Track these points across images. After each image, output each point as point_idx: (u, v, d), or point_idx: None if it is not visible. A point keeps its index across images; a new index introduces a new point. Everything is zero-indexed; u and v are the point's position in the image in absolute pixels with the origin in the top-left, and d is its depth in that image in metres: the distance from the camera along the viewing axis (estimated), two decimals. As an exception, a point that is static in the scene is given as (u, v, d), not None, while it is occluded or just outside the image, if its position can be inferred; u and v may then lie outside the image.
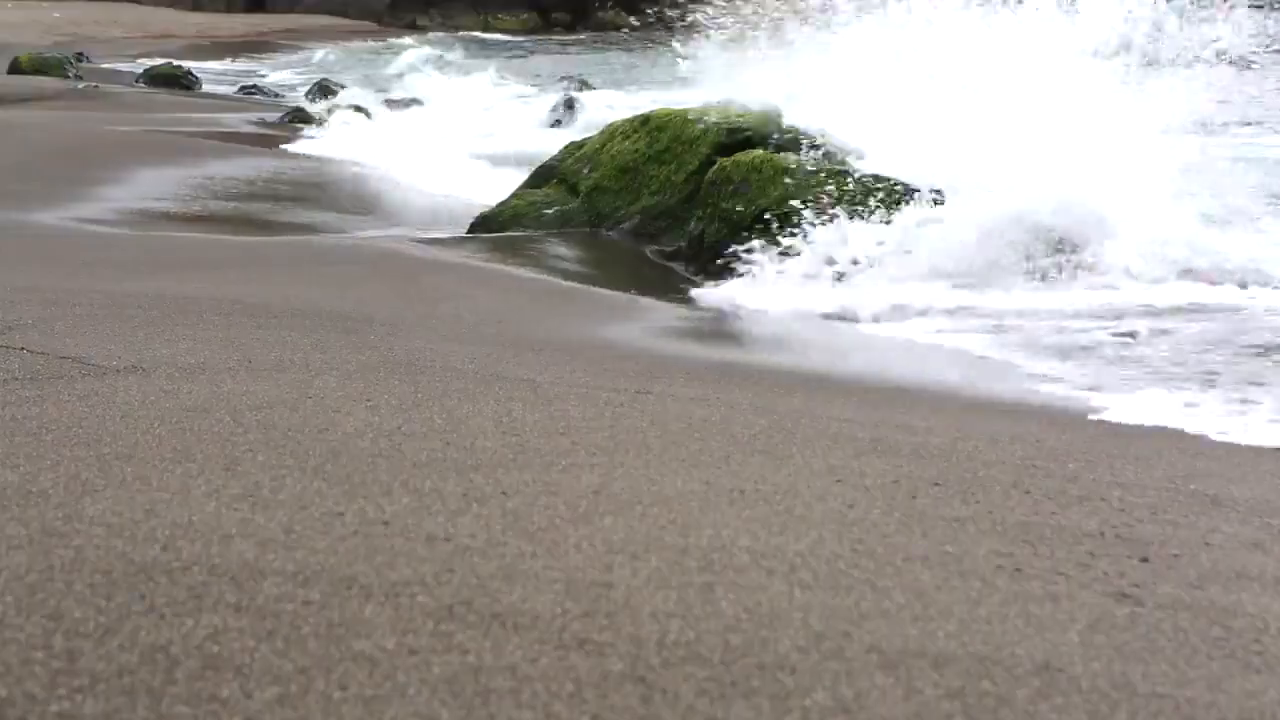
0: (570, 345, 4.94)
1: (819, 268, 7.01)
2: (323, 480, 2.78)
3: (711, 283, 6.99)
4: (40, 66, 21.82)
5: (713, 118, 8.20)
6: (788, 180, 7.50)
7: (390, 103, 17.75)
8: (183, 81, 22.67)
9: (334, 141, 13.56)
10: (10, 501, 2.55)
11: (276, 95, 21.45)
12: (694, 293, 6.82)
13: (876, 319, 6.26)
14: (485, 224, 8.63)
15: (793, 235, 7.12)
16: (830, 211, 7.20)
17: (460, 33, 46.00)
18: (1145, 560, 2.63)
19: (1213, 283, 6.66)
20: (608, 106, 15.57)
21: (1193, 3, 8.36)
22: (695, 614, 2.19)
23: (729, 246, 7.32)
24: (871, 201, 7.27)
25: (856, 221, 7.15)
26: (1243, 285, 6.64)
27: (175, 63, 24.85)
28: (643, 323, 5.76)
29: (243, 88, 23.08)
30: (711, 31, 9.54)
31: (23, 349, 3.95)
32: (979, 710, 1.94)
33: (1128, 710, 1.98)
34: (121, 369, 3.77)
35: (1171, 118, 7.72)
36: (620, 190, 8.35)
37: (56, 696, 1.82)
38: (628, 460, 3.08)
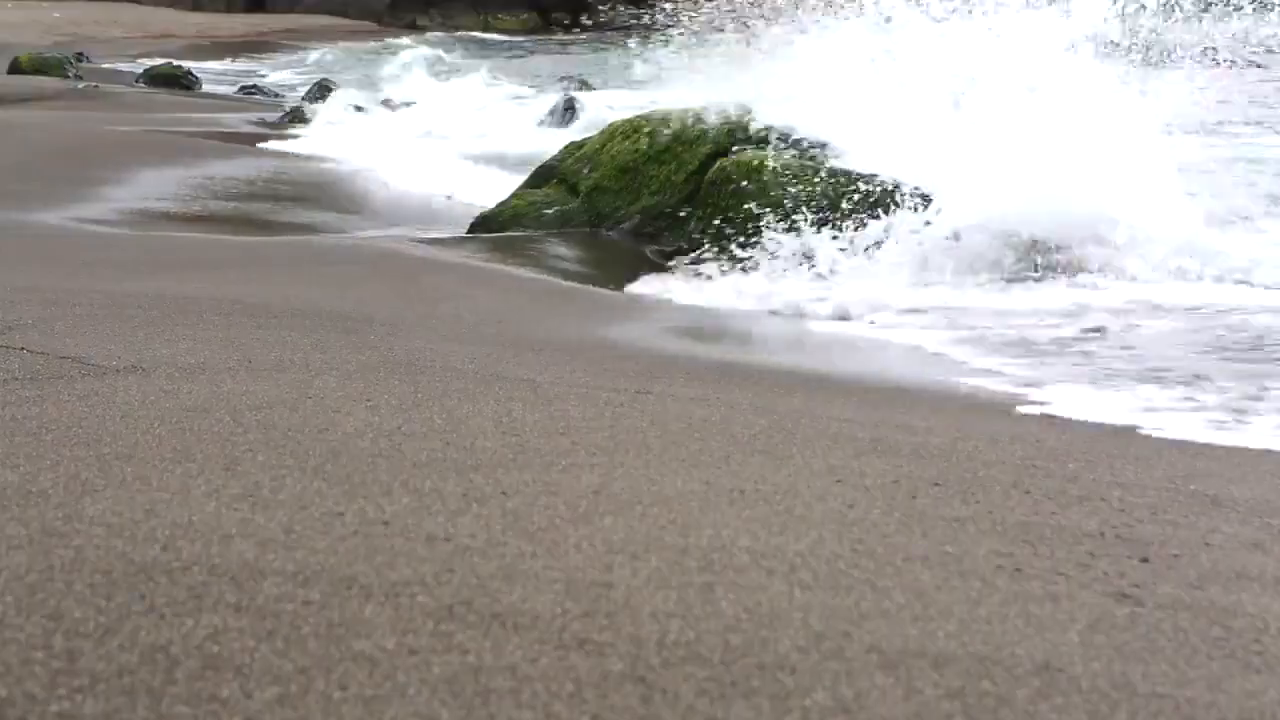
0: (570, 345, 4.94)
1: (788, 266, 7.10)
2: (323, 480, 2.78)
3: (652, 277, 7.02)
4: (40, 66, 21.82)
5: (713, 119, 8.23)
6: (778, 180, 7.54)
7: (382, 103, 17.74)
8: (183, 81, 22.67)
9: (320, 142, 13.55)
10: (10, 501, 2.55)
11: (276, 95, 21.44)
12: (628, 287, 6.82)
13: (828, 316, 6.28)
14: (485, 224, 8.63)
15: (762, 236, 7.19)
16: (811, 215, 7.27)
17: (460, 33, 46.01)
18: (1145, 560, 2.63)
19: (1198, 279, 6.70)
20: (608, 106, 15.57)
21: (1192, 2, 8.38)
22: (695, 614, 2.19)
23: (719, 243, 7.38)
24: (845, 204, 7.32)
25: (827, 228, 7.22)
26: (1221, 281, 6.67)
27: (175, 63, 24.85)
28: (643, 323, 5.76)
29: (243, 88, 23.07)
30: (673, 33, 9.61)
31: (23, 349, 3.95)
32: (979, 710, 1.94)
33: (1128, 710, 1.98)
34: (121, 369, 3.77)
35: (1172, 117, 7.73)
36: (620, 190, 8.36)
37: (56, 696, 1.82)
38: (628, 460, 3.08)
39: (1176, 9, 8.37)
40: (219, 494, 2.66)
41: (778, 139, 7.92)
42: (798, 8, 8.94)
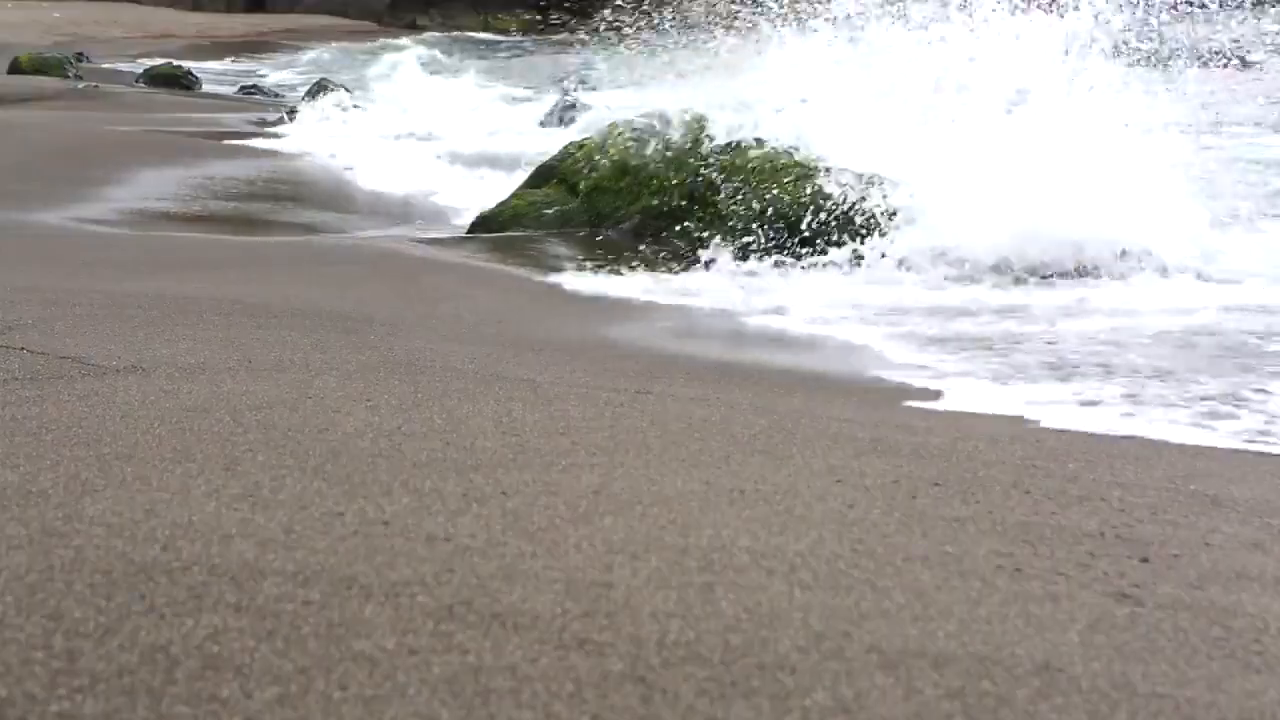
0: (570, 345, 4.94)
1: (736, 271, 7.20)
2: (323, 480, 2.78)
3: (589, 273, 7.04)
4: (40, 66, 21.81)
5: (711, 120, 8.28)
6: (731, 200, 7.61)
7: (354, 106, 17.72)
8: (183, 81, 22.66)
9: (304, 141, 13.54)
10: (10, 501, 2.55)
11: (276, 95, 21.43)
12: (563, 278, 6.82)
13: (763, 311, 6.31)
14: (485, 224, 8.63)
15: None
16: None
17: (460, 33, 46.00)
18: (1145, 560, 2.63)
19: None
20: (606, 107, 15.58)
21: (1191, 2, 8.38)
22: (695, 614, 2.19)
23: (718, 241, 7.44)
24: (805, 227, 7.36)
25: (780, 255, 7.30)
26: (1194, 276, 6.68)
27: (175, 63, 24.83)
28: (643, 323, 5.76)
29: (243, 88, 23.07)
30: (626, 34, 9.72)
31: (23, 349, 3.95)
32: (979, 710, 1.94)
33: (1128, 710, 1.98)
34: (121, 369, 3.77)
35: (1171, 117, 7.74)
36: (620, 190, 8.36)
37: (56, 696, 1.82)
38: (628, 460, 3.08)
39: (1176, 9, 8.38)
40: (219, 494, 2.66)
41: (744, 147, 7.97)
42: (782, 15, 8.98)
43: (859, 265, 7.13)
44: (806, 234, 7.36)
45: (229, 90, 22.94)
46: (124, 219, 8.44)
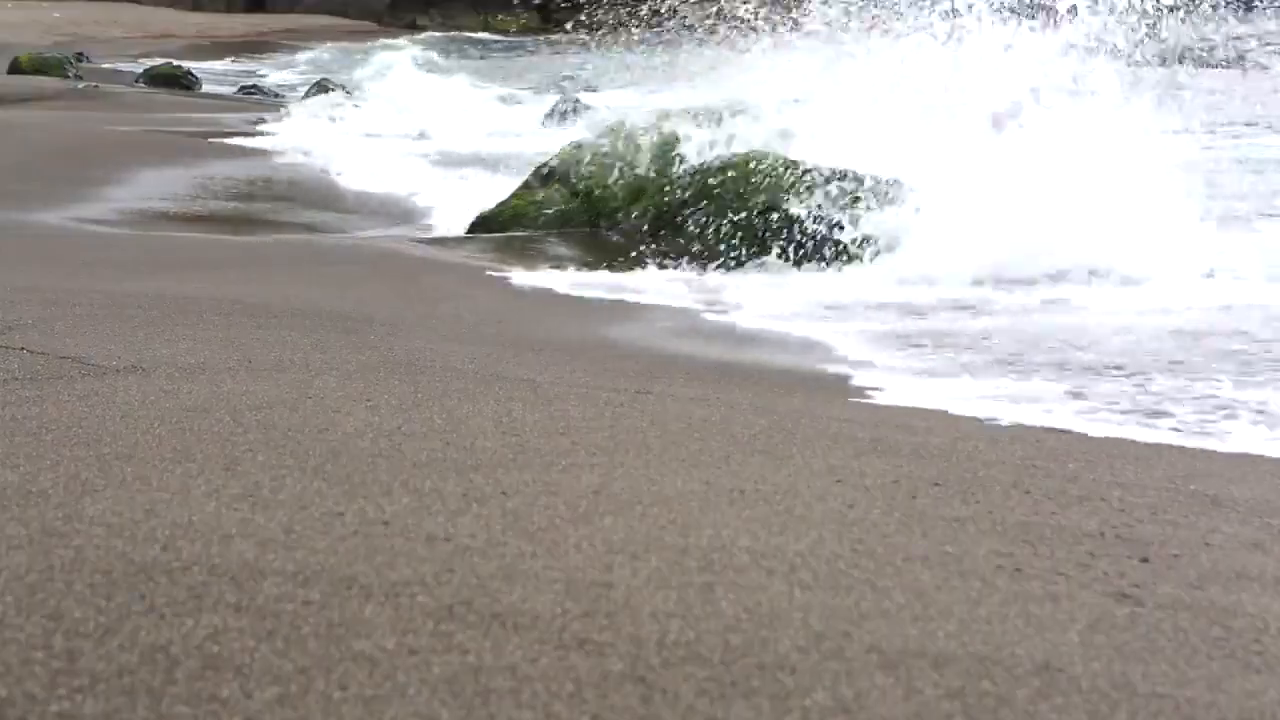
0: (570, 345, 4.94)
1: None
2: (323, 480, 2.78)
3: (588, 272, 7.09)
4: (40, 66, 21.80)
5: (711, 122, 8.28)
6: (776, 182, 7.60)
7: (333, 109, 17.74)
8: (183, 81, 22.66)
9: (292, 143, 13.53)
10: (10, 501, 2.55)
11: (276, 95, 21.43)
12: (510, 274, 6.83)
13: (724, 307, 6.34)
14: (485, 224, 8.63)
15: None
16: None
17: (460, 32, 45.99)
18: (1145, 560, 2.63)
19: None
20: (607, 107, 15.58)
21: (1190, 2, 8.38)
22: (695, 614, 2.19)
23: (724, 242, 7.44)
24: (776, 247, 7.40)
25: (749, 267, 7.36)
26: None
27: (175, 63, 24.83)
28: (643, 323, 5.76)
29: (243, 88, 23.07)
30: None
31: (23, 349, 3.95)
32: (979, 710, 1.94)
33: (1128, 710, 1.98)
34: (121, 369, 3.77)
35: (1172, 119, 7.74)
36: (620, 190, 8.37)
37: (56, 696, 1.82)
38: (628, 460, 3.08)
39: (1177, 10, 8.38)
40: (219, 494, 2.66)
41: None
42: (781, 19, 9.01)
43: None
44: (775, 255, 7.39)
45: (229, 90, 22.94)
46: (124, 219, 8.44)
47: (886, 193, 7.42)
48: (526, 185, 8.93)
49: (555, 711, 1.86)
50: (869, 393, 4.56)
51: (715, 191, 7.75)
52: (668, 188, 8.04)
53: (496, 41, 42.66)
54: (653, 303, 6.33)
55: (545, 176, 8.87)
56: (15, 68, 21.65)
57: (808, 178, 7.55)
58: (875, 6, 8.75)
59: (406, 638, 2.04)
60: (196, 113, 16.38)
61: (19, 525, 2.42)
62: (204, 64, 28.26)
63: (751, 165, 7.76)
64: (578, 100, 17.13)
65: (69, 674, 1.88)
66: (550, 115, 16.50)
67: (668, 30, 10.96)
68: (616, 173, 8.36)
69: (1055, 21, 8.02)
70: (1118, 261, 6.83)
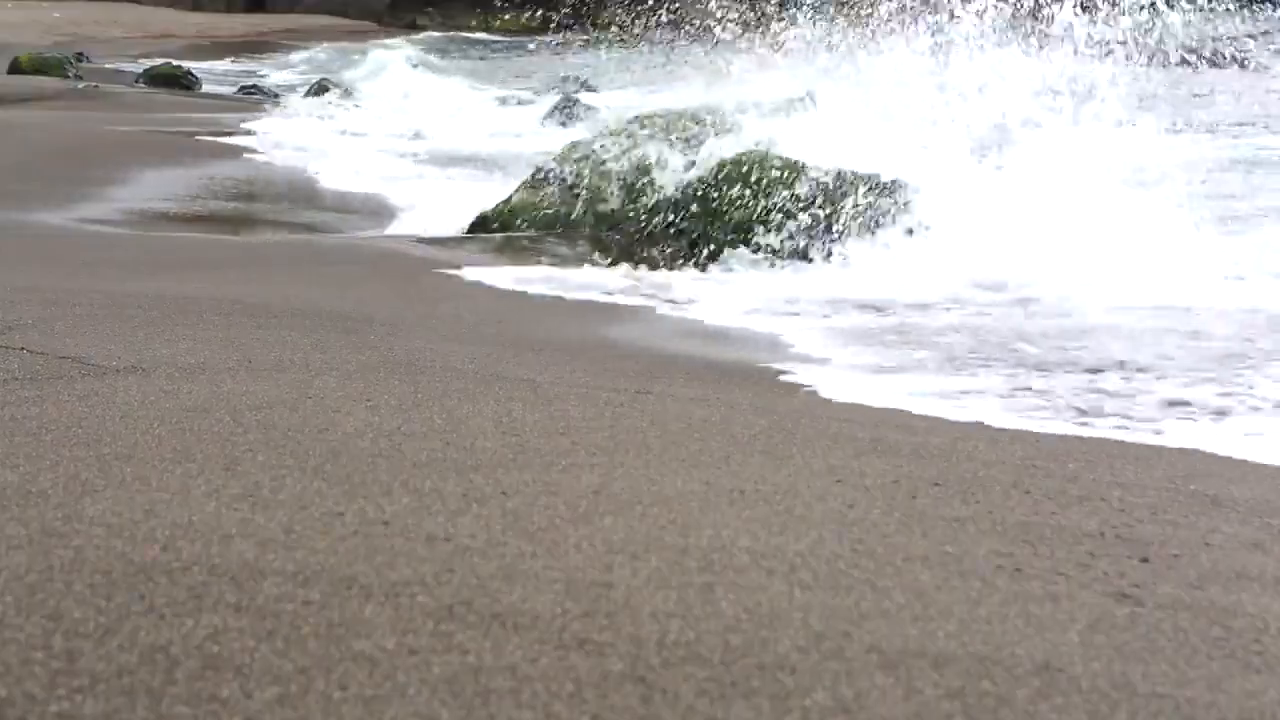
0: (570, 345, 4.94)
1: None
2: (323, 480, 2.78)
3: (588, 271, 7.11)
4: (40, 66, 21.80)
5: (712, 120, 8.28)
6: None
7: (354, 105, 17.75)
8: (183, 81, 22.67)
9: (282, 143, 13.53)
10: (10, 501, 2.55)
11: (276, 95, 21.43)
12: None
13: (687, 301, 6.38)
14: (485, 224, 8.63)
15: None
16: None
17: (460, 32, 45.98)
18: (1145, 560, 2.63)
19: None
20: (607, 107, 15.59)
21: (1190, 2, 8.38)
22: (695, 614, 2.19)
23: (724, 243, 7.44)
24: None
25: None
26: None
27: (175, 63, 24.84)
28: (643, 323, 5.76)
29: (243, 88, 23.07)
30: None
31: (23, 349, 3.95)
32: (979, 710, 1.94)
33: (1128, 710, 1.98)
34: (121, 369, 3.77)
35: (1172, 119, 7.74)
36: (620, 190, 8.36)
37: (56, 696, 1.82)
38: (628, 460, 3.08)
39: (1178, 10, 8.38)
40: (219, 494, 2.66)
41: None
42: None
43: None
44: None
45: (229, 90, 22.95)
46: (124, 219, 8.44)
47: (874, 202, 7.43)
48: (526, 186, 8.93)
49: (555, 711, 1.86)
50: (807, 385, 4.61)
51: (711, 204, 7.78)
52: (657, 201, 8.05)
53: (496, 41, 42.65)
54: (581, 298, 6.35)
55: (543, 178, 8.87)
56: (15, 68, 21.65)
57: (795, 183, 7.58)
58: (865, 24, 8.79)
59: (406, 638, 2.04)
60: (196, 113, 16.38)
61: (19, 525, 2.42)
62: (204, 64, 28.27)
63: (745, 170, 7.79)
64: (577, 100, 17.13)
65: (69, 674, 1.88)
66: (550, 115, 16.51)
67: (667, 31, 10.98)
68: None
69: (1045, 40, 8.03)
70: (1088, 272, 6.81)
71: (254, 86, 23.18)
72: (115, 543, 2.35)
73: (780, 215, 7.47)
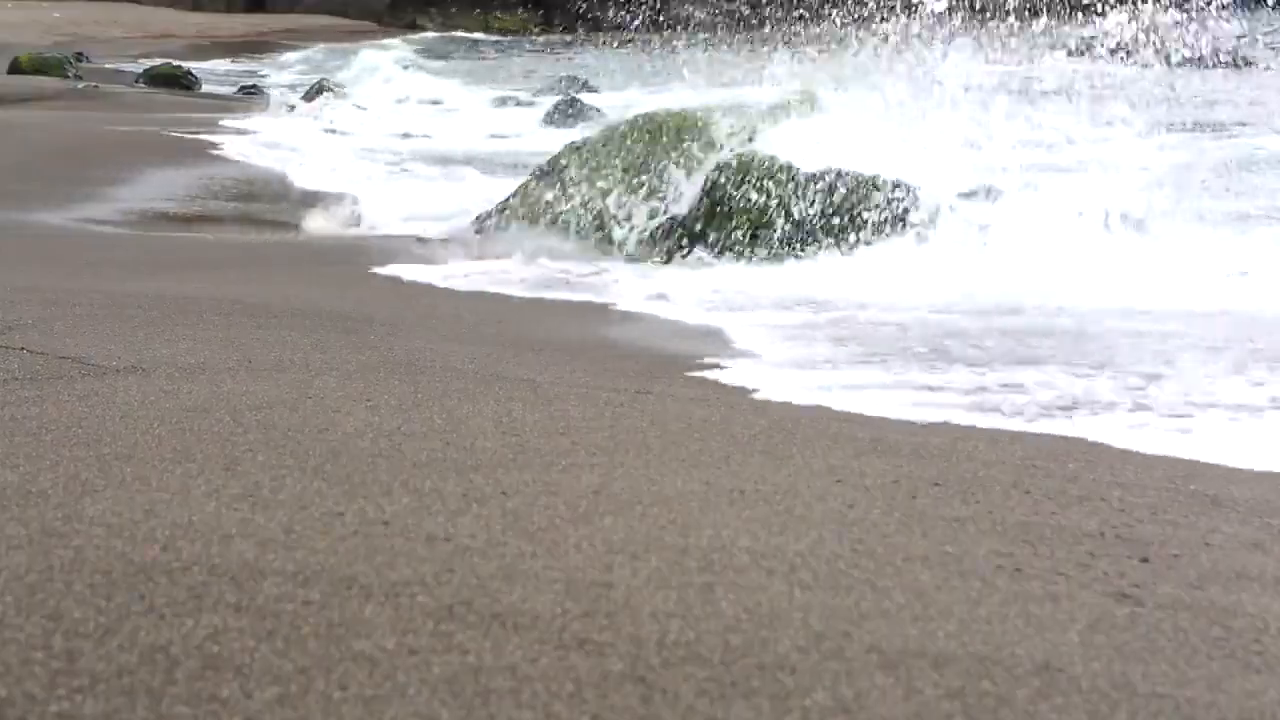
0: (570, 345, 4.94)
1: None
2: (323, 480, 2.78)
3: (587, 270, 7.15)
4: (40, 66, 21.82)
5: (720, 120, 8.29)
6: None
7: (347, 105, 17.76)
8: (183, 81, 22.68)
9: (282, 142, 13.53)
10: (10, 501, 2.55)
11: (278, 95, 21.43)
12: (374, 269, 6.82)
13: (647, 297, 6.40)
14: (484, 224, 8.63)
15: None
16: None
17: (460, 33, 46.00)
18: (1145, 560, 2.63)
19: None
20: (607, 107, 15.59)
21: (1190, 2, 8.39)
22: (695, 614, 2.19)
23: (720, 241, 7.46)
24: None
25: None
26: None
27: (175, 63, 24.87)
28: (643, 323, 5.76)
29: (243, 88, 23.09)
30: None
31: (23, 349, 3.95)
32: (979, 710, 1.94)
33: (1128, 710, 1.98)
34: (121, 369, 3.77)
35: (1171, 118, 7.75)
36: (621, 190, 8.36)
37: (56, 696, 1.82)
38: (628, 460, 3.08)
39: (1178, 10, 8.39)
40: (219, 494, 2.66)
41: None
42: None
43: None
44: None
45: (229, 90, 22.95)
46: (124, 219, 8.45)
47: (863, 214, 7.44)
48: (526, 185, 8.93)
49: (555, 711, 1.86)
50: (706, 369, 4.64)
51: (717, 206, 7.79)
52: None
53: (496, 41, 42.67)
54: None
55: (541, 178, 8.87)
56: (15, 68, 21.67)
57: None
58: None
59: (406, 638, 2.04)
60: (197, 113, 16.39)
61: (19, 525, 2.42)
62: (204, 64, 28.29)
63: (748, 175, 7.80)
64: (577, 100, 17.13)
65: (69, 674, 1.88)
66: (550, 115, 16.51)
67: (667, 32, 11.00)
68: (613, 177, 8.35)
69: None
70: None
71: (254, 86, 23.20)
72: (115, 543, 2.35)
73: (783, 213, 7.47)
